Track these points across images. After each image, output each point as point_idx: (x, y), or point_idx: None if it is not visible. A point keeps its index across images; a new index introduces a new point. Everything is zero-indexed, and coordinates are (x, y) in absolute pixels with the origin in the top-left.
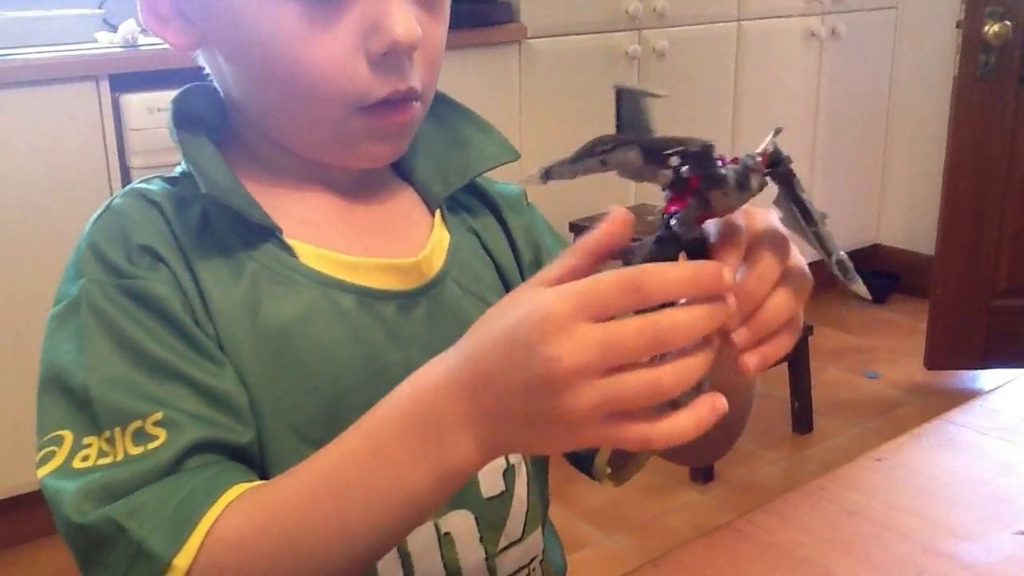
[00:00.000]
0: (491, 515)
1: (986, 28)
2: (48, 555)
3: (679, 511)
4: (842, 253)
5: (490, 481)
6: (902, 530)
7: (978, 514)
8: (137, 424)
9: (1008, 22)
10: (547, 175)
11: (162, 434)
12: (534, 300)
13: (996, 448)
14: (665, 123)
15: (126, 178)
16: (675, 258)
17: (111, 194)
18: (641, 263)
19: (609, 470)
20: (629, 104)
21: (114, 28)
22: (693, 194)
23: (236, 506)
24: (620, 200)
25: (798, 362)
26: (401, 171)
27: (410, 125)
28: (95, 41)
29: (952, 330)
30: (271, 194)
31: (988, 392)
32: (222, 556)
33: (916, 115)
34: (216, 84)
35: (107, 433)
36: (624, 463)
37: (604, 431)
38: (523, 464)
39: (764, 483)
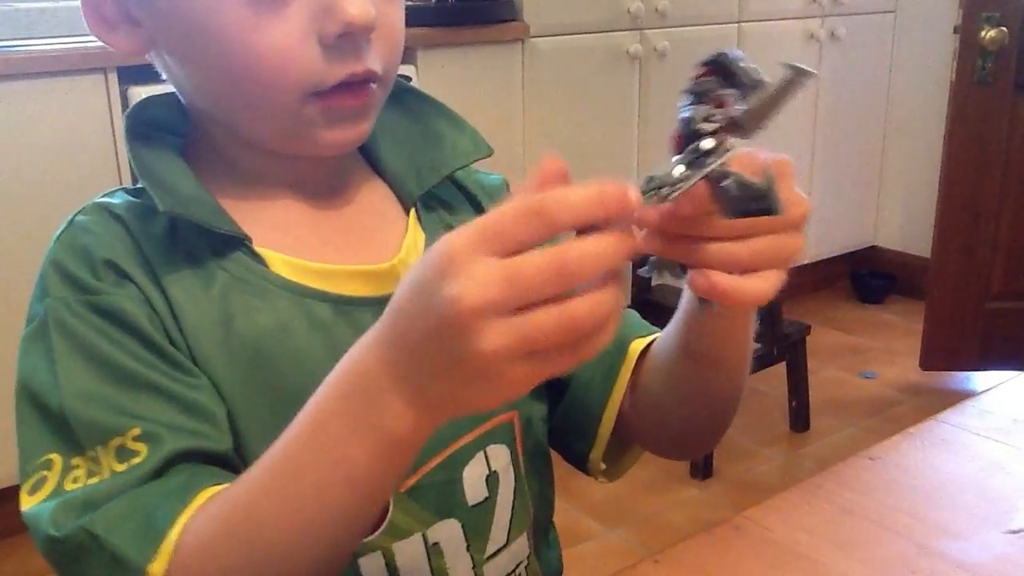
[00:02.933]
0: (476, 522)
1: (983, 33)
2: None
3: (679, 506)
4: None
5: (475, 488)
6: (896, 529)
7: (971, 513)
8: (118, 441)
9: (1005, 28)
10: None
11: (143, 449)
12: (439, 242)
13: (989, 448)
14: (667, 122)
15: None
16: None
17: (120, 186)
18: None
19: (603, 466)
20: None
21: None
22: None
23: (204, 508)
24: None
25: (795, 362)
26: (374, 166)
27: (369, 108)
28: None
29: (948, 332)
30: (240, 200)
31: (981, 393)
32: (195, 560)
33: (914, 118)
34: (174, 87)
35: (91, 452)
36: (619, 457)
37: (524, 374)
38: (509, 469)
39: (762, 480)
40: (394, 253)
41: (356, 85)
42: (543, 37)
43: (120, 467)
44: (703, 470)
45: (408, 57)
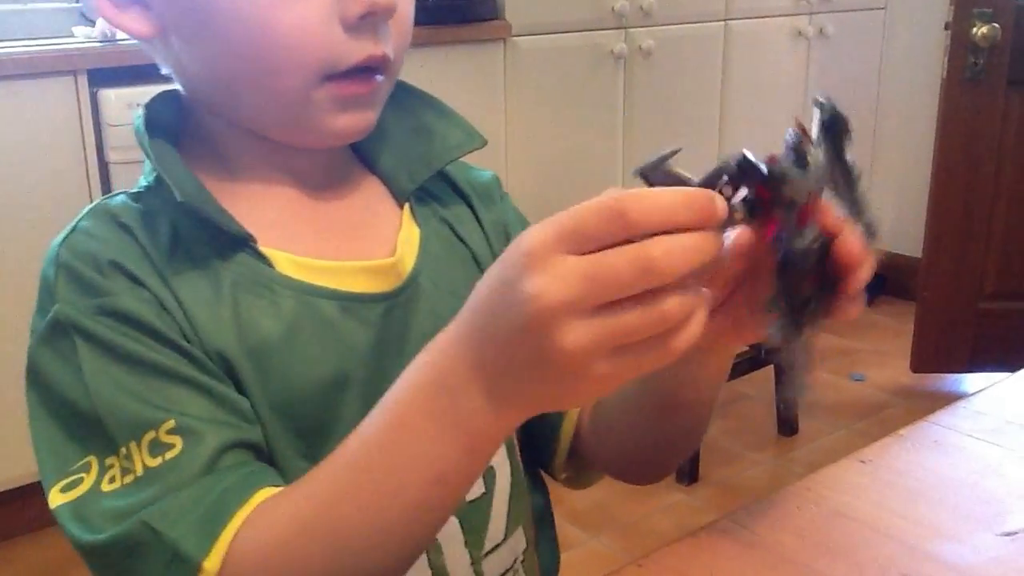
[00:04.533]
0: (473, 518)
1: (974, 30)
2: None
3: (664, 512)
4: (872, 216)
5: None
6: (887, 531)
7: (963, 515)
8: (151, 435)
9: (996, 24)
10: None
11: (177, 442)
12: (518, 239)
13: (981, 450)
14: (652, 124)
15: (104, 174)
16: (812, 276)
17: (89, 190)
18: (780, 300)
19: (564, 475)
20: (658, 177)
21: (91, 22)
22: (774, 204)
23: (265, 508)
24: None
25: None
26: (366, 162)
27: (376, 96)
28: (72, 35)
29: (939, 333)
30: (236, 196)
31: (973, 394)
32: (250, 559)
33: (904, 116)
34: (175, 77)
35: (123, 450)
36: (582, 467)
37: (609, 371)
38: (505, 464)
39: (749, 484)
40: (391, 248)
41: (365, 71)
42: (525, 36)
43: (153, 462)
44: (689, 475)
45: None
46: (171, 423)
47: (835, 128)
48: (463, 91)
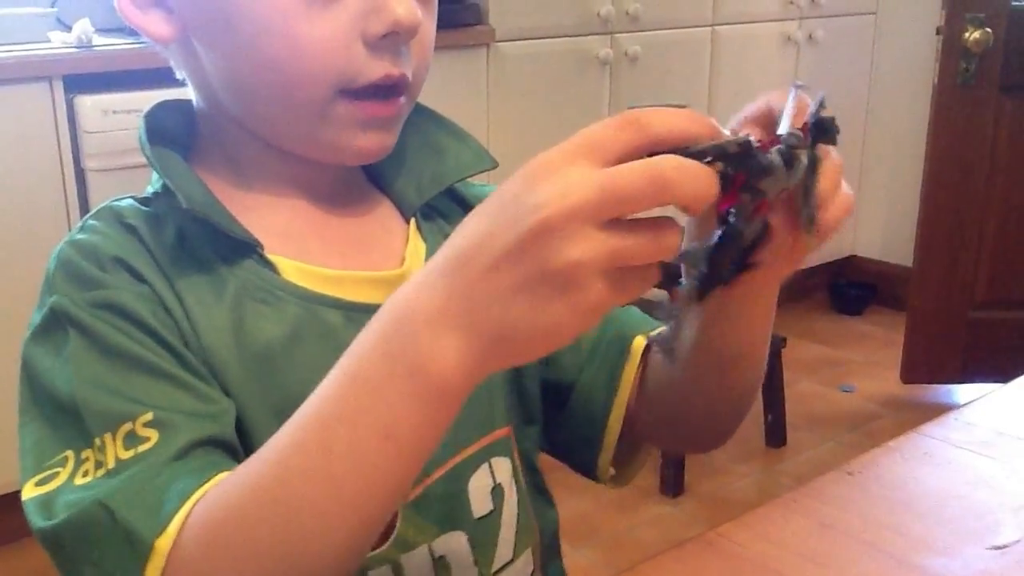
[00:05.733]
0: (482, 536)
1: (966, 35)
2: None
3: (649, 525)
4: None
5: (480, 500)
6: (876, 544)
7: (953, 529)
8: (127, 427)
9: (989, 29)
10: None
11: (153, 435)
12: (532, 160)
13: (971, 462)
14: None
15: (80, 181)
16: (738, 255)
17: (65, 197)
18: (706, 262)
19: (612, 471)
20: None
21: (68, 27)
22: (743, 188)
23: (221, 481)
24: None
25: (770, 374)
26: (376, 179)
27: (396, 119)
28: (48, 41)
29: (930, 343)
30: (246, 206)
31: (964, 405)
32: (202, 531)
33: (895, 123)
34: (191, 82)
35: (98, 442)
36: (628, 461)
37: (603, 293)
38: (512, 485)
39: (736, 497)
40: (398, 260)
41: (387, 92)
42: (509, 41)
43: (126, 454)
44: (674, 487)
45: None
46: (148, 416)
47: (823, 131)
48: (445, 97)
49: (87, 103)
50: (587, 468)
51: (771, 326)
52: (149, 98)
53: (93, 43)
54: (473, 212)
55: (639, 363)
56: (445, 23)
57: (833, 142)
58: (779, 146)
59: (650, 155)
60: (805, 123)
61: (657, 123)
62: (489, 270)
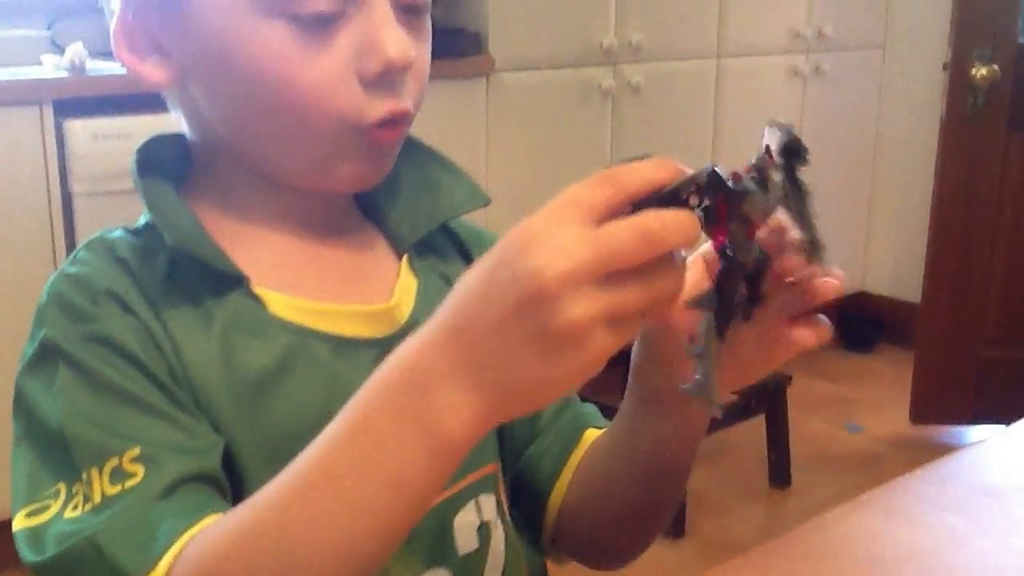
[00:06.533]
0: (467, 574)
1: (974, 71)
2: None
3: (648, 567)
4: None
5: (466, 537)
6: None
7: None
8: (114, 462)
9: (996, 65)
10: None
11: (140, 471)
12: (516, 226)
13: (943, 520)
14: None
15: (67, 205)
16: (744, 285)
17: (51, 220)
18: (715, 300)
19: (551, 551)
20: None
21: (61, 51)
22: (729, 218)
23: (214, 523)
24: None
25: (775, 413)
26: (370, 214)
27: (397, 145)
28: (40, 64)
29: (938, 382)
30: (238, 240)
31: (943, 458)
32: (194, 571)
33: (904, 158)
34: (187, 125)
35: (84, 475)
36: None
37: (606, 342)
38: (498, 523)
39: (738, 539)
40: (388, 295)
41: (393, 123)
42: (510, 71)
43: (112, 490)
44: (675, 528)
45: None
46: (135, 451)
47: (793, 153)
48: (444, 127)
49: (77, 127)
50: (535, 537)
51: (695, 449)
52: (139, 123)
53: (86, 67)
54: (468, 273)
55: (583, 455)
56: (445, 52)
57: (804, 162)
58: (751, 172)
59: (633, 205)
60: (767, 147)
61: (630, 176)
62: (492, 330)
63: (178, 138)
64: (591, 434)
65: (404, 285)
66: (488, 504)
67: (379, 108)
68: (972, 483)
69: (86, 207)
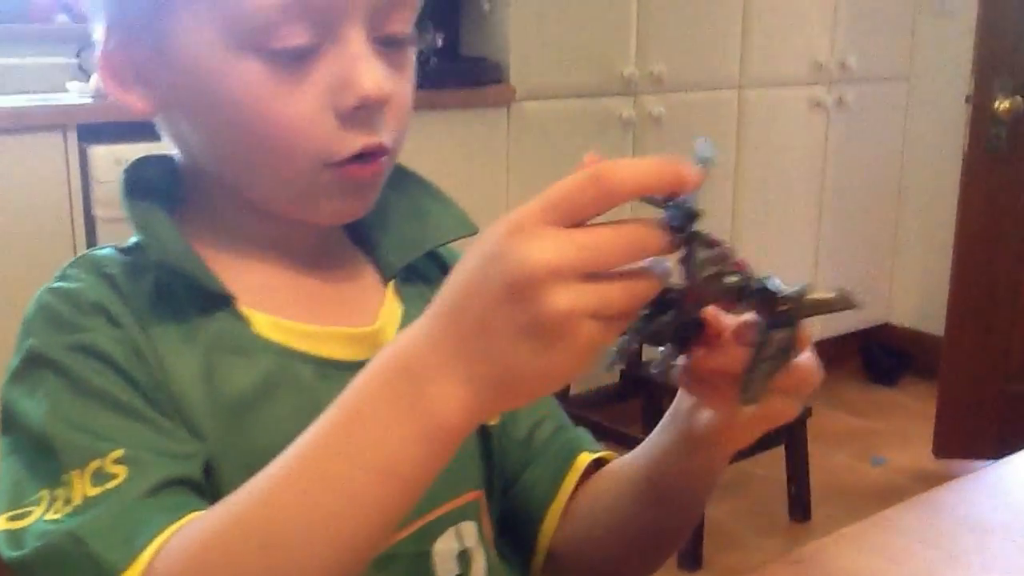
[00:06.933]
0: None
1: (996, 103)
2: None
3: None
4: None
5: (446, 565)
6: None
7: None
8: (96, 464)
9: (1020, 97)
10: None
11: (122, 472)
12: (502, 218)
13: (924, 553)
14: None
15: (91, 230)
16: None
17: (74, 246)
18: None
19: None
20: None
21: (87, 77)
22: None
23: (197, 518)
24: None
25: (795, 445)
26: (359, 239)
27: (378, 179)
28: (66, 91)
29: (963, 416)
30: (226, 262)
31: (929, 492)
32: (182, 564)
33: (929, 189)
34: (177, 150)
35: (65, 477)
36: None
37: (593, 334)
38: (480, 551)
39: (756, 573)
40: (373, 319)
41: (368, 156)
42: (531, 100)
43: (93, 491)
44: (692, 560)
45: None
46: (119, 453)
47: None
48: (464, 156)
49: (100, 153)
50: (525, 564)
51: (712, 485)
52: (161, 149)
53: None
54: (456, 268)
55: (577, 480)
56: (466, 81)
57: (771, 313)
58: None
59: None
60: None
61: (620, 179)
62: (482, 321)
63: (168, 161)
64: (584, 458)
65: (389, 310)
66: (469, 531)
67: (353, 143)
68: (957, 517)
69: (109, 232)
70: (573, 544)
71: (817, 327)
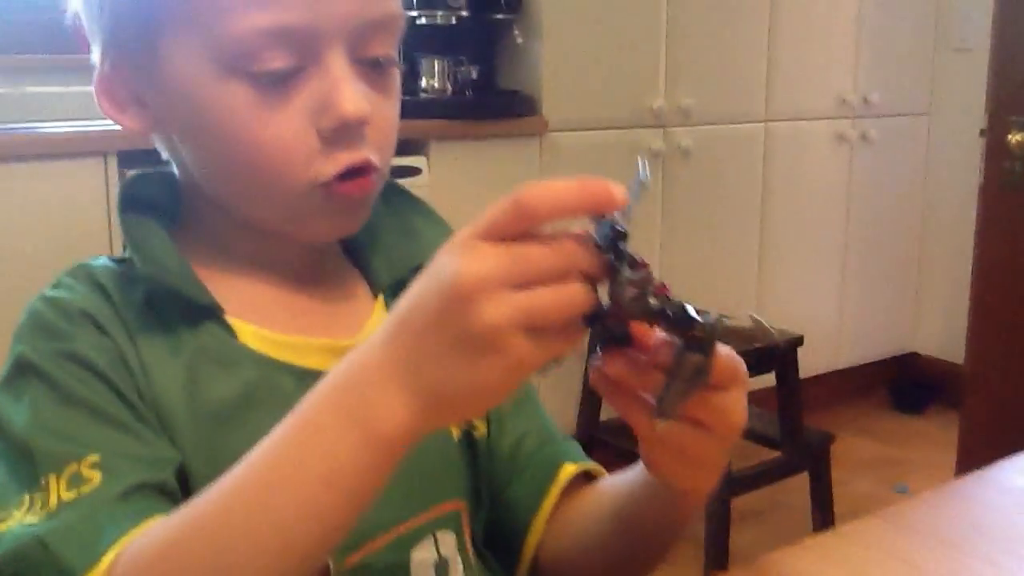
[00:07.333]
0: None
1: (1010, 136)
2: None
3: None
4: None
5: (423, 572)
6: None
7: None
8: (72, 468)
9: None
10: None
11: (96, 476)
12: (444, 244)
13: (892, 568)
14: (690, 223)
15: None
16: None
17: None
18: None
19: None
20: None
21: None
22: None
23: (159, 523)
24: None
25: (818, 472)
26: (352, 256)
27: (368, 197)
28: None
29: (985, 445)
30: (219, 276)
31: (903, 504)
32: (140, 566)
33: (952, 221)
34: (173, 166)
35: (43, 481)
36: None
37: (526, 349)
38: (459, 561)
39: None
40: (359, 332)
41: (357, 175)
42: (562, 132)
43: (68, 495)
44: None
45: (420, 148)
46: (95, 458)
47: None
48: (496, 185)
49: None
50: (509, 574)
51: (685, 521)
52: None
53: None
54: (411, 285)
55: (561, 491)
56: (499, 112)
57: (687, 337)
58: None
59: None
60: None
61: (539, 202)
62: (421, 335)
63: (169, 177)
64: (568, 470)
65: (376, 324)
66: (448, 541)
67: (337, 162)
68: (920, 530)
69: None
70: (557, 556)
71: (843, 356)
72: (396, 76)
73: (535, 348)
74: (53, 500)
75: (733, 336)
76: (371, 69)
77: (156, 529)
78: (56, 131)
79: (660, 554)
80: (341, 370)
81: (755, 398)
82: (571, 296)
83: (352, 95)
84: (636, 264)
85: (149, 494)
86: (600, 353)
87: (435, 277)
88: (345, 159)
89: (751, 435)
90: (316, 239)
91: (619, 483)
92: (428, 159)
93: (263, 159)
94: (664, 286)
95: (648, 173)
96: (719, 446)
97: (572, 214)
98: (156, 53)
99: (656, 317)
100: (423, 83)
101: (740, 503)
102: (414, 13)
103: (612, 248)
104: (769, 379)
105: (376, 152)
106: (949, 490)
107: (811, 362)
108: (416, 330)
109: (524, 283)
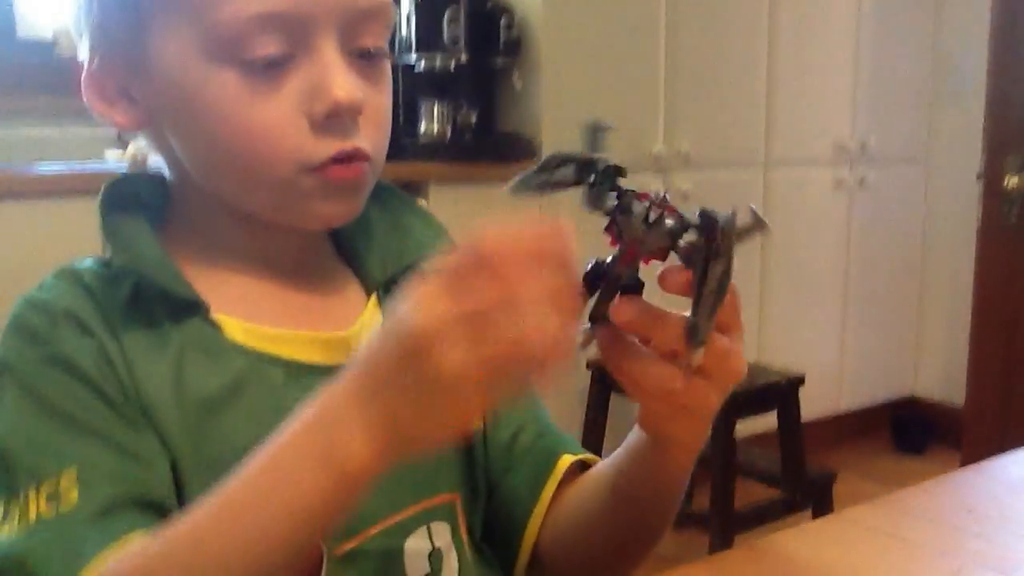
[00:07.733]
0: None
1: (1006, 180)
2: None
3: None
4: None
5: (416, 563)
6: None
7: None
8: (51, 483)
9: None
10: (514, 189)
11: (74, 493)
12: (412, 287)
13: (887, 544)
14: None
15: None
16: (611, 295)
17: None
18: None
19: None
20: (591, 136)
21: (124, 147)
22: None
23: (136, 544)
24: None
25: (821, 511)
26: (343, 254)
27: (361, 183)
28: (104, 159)
29: None
30: (208, 273)
31: (900, 491)
32: None
33: (950, 265)
34: (163, 162)
35: (22, 494)
36: None
37: (482, 387)
38: (453, 551)
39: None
40: (349, 326)
41: (350, 160)
42: None
43: (46, 511)
44: None
45: (419, 191)
46: (73, 472)
47: (707, 229)
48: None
49: None
50: (509, 570)
51: (680, 486)
52: None
53: (147, 162)
54: (379, 328)
55: (559, 482)
56: (498, 155)
57: (714, 240)
58: (646, 201)
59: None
60: (661, 198)
61: (492, 252)
62: (385, 380)
63: (158, 176)
64: (566, 460)
65: (368, 319)
66: (441, 531)
67: (328, 148)
68: (920, 514)
69: None
70: (556, 546)
71: (844, 400)
72: (387, 68)
73: (490, 393)
74: (32, 514)
75: (742, 234)
76: (362, 60)
77: (135, 550)
78: (52, 171)
79: (658, 528)
80: (309, 408)
81: (758, 438)
82: (525, 337)
83: (344, 81)
84: (639, 196)
85: (128, 509)
86: (592, 326)
87: (397, 324)
88: (336, 145)
89: (753, 473)
90: (309, 226)
91: (610, 461)
92: (428, 202)
93: (253, 145)
94: (669, 204)
95: (610, 123)
96: (718, 394)
97: (531, 260)
98: (146, 43)
99: (679, 232)
100: (423, 127)
101: (742, 541)
102: (413, 57)
103: (612, 185)
104: (771, 420)
105: (368, 142)
106: (946, 479)
107: (812, 405)
108: (379, 376)
109: (483, 330)
